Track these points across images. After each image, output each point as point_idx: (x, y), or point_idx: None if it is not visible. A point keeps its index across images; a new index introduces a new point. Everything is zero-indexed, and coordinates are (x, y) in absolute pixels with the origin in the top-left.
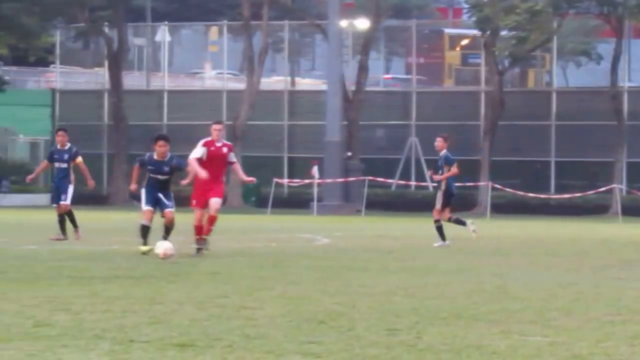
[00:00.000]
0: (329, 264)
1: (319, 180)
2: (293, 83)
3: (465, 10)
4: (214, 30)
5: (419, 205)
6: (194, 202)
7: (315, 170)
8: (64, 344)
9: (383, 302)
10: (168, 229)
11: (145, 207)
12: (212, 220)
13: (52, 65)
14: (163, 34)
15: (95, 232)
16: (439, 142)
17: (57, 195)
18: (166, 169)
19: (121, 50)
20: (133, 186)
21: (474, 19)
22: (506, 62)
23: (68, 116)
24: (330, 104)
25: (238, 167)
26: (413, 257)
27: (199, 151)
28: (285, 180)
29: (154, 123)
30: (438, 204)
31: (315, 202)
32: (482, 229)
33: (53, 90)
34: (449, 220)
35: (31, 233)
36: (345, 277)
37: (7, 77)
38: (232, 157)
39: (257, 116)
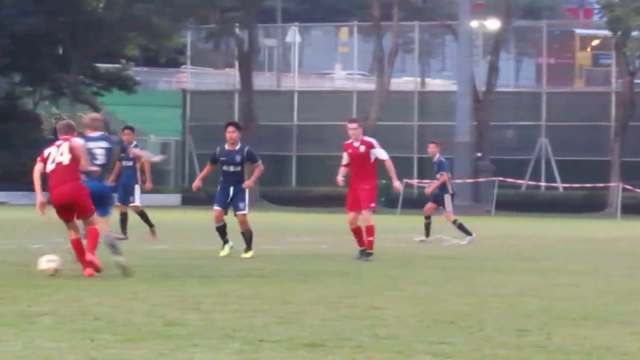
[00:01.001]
0: (458, 264)
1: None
2: (423, 84)
3: (596, 11)
4: (344, 31)
5: (549, 206)
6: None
7: None
8: (194, 343)
9: (513, 302)
10: (245, 237)
11: (214, 207)
12: (369, 231)
13: (182, 66)
14: (293, 34)
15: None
16: (432, 147)
17: (123, 195)
18: (238, 158)
19: (252, 51)
20: (196, 183)
21: (605, 19)
22: (637, 63)
23: (198, 117)
24: (460, 104)
25: (390, 165)
26: (542, 258)
27: (343, 157)
28: (415, 181)
29: (284, 124)
30: (449, 207)
31: None
32: (613, 230)
33: (184, 91)
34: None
35: (161, 233)
36: (474, 278)
37: (138, 78)
38: (379, 154)
39: (386, 117)
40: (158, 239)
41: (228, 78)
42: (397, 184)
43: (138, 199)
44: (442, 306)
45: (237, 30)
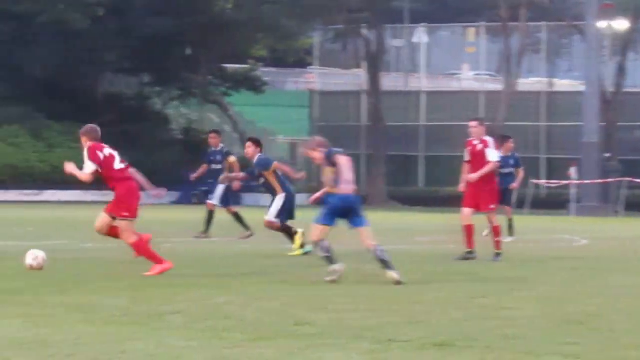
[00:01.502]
0: (588, 265)
1: (577, 182)
2: (551, 84)
3: None
4: (471, 31)
5: None
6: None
7: (573, 171)
8: (324, 342)
9: None
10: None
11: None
12: (495, 231)
13: (310, 67)
14: (421, 35)
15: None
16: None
17: (206, 195)
18: (256, 171)
19: (380, 52)
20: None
21: None
22: None
23: (325, 117)
24: (587, 105)
25: (490, 167)
26: None
27: (465, 154)
28: (543, 181)
29: (411, 124)
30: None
31: (573, 203)
32: None
33: (311, 92)
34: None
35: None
36: (604, 278)
37: (266, 79)
38: (488, 154)
39: (514, 117)
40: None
41: (355, 78)
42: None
43: (217, 199)
44: (572, 306)
45: (364, 31)
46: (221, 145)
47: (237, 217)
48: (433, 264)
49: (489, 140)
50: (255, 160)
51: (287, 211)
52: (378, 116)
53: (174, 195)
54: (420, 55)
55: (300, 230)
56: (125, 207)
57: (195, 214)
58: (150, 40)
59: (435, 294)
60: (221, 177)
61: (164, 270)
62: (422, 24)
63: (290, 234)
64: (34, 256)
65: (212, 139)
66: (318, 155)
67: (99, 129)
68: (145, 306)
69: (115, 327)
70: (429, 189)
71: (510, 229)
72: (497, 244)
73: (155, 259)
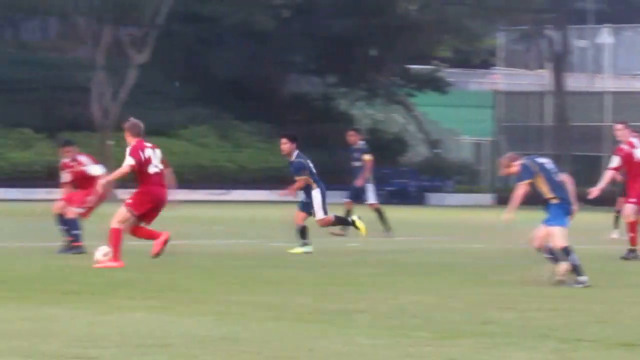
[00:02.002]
0: None
1: None
2: None
3: None
4: None
5: None
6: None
7: None
8: (511, 341)
9: None
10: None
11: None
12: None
13: (494, 67)
14: (605, 36)
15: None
16: None
17: (355, 194)
18: (291, 169)
19: (564, 52)
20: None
21: None
22: None
23: (509, 117)
24: None
25: None
26: None
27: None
28: None
29: (596, 124)
30: None
31: None
32: None
33: (495, 92)
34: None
35: (475, 232)
36: None
37: (450, 79)
38: (635, 153)
39: None
40: (391, 237)
41: (540, 79)
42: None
43: (372, 197)
44: None
45: (549, 32)
46: (360, 142)
47: (345, 215)
48: (610, 263)
49: (634, 141)
50: (293, 159)
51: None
52: (563, 116)
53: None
54: (605, 55)
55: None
56: (138, 204)
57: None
58: (335, 41)
59: (618, 294)
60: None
61: (108, 267)
62: (607, 25)
63: (346, 221)
64: (104, 252)
65: (351, 137)
66: (515, 169)
67: (141, 124)
68: (331, 305)
69: (302, 325)
70: (615, 189)
71: None
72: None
73: (115, 255)
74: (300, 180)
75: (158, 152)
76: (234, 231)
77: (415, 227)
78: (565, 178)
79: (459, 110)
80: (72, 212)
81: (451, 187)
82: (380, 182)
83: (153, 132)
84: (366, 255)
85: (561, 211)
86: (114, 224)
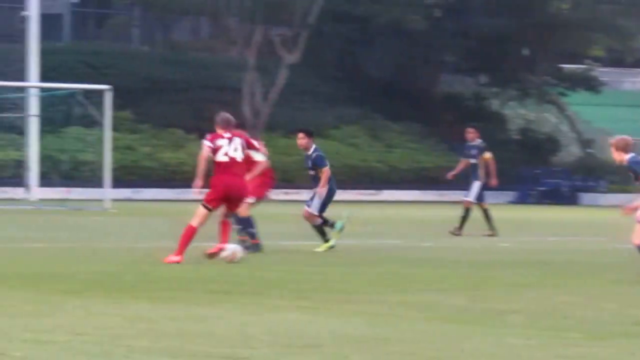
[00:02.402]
0: None
1: None
2: None
3: None
4: None
5: None
6: None
7: None
8: None
9: None
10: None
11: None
12: None
13: None
14: None
15: None
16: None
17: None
18: (309, 163)
19: None
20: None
21: None
22: None
23: None
24: None
25: None
26: None
27: None
28: None
29: None
30: None
31: None
32: None
33: None
34: None
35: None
36: None
37: (603, 79)
38: None
39: None
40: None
41: None
42: None
43: (473, 196)
44: None
45: None
46: (478, 140)
47: (487, 215)
48: None
49: None
50: (311, 152)
51: (323, 205)
52: None
53: (511, 195)
54: None
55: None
56: (210, 199)
57: (532, 213)
58: (487, 41)
59: None
60: None
61: (172, 262)
62: None
63: (323, 231)
64: (232, 251)
65: (469, 134)
66: (619, 157)
67: (228, 118)
68: (483, 305)
69: (454, 325)
70: None
71: None
72: None
73: (179, 250)
74: (326, 171)
75: (237, 141)
76: (384, 231)
77: (568, 227)
78: None
79: (612, 109)
80: (245, 210)
81: (604, 187)
82: (532, 182)
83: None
84: (518, 255)
85: None
86: (192, 221)
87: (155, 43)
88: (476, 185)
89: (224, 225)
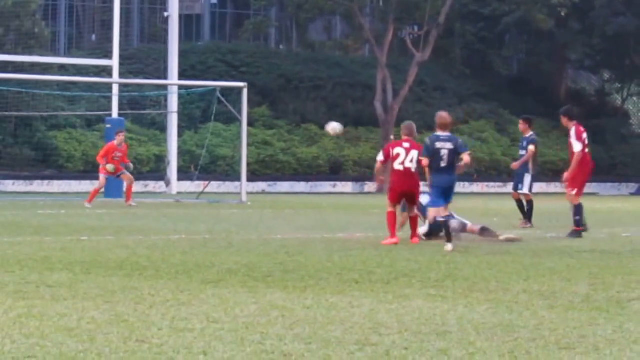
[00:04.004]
0: None
1: None
2: None
3: None
4: None
5: None
6: None
7: None
8: None
9: None
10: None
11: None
12: None
13: None
14: None
15: None
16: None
17: (515, 182)
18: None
19: None
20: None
21: None
22: None
23: None
24: None
25: None
26: None
27: None
28: None
29: None
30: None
31: None
32: None
33: None
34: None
35: None
36: None
37: None
38: None
39: None
40: (526, 227)
41: None
42: None
43: (526, 188)
44: None
45: None
46: (530, 132)
47: (519, 204)
48: None
49: None
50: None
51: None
52: None
53: (632, 187)
54: None
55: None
56: (389, 194)
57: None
58: (612, 39)
59: None
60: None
61: (391, 244)
62: None
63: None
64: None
65: (521, 125)
66: None
67: (408, 125)
68: (605, 293)
69: (575, 313)
70: None
71: None
72: None
73: (391, 233)
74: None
75: (413, 153)
76: (511, 223)
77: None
78: None
79: None
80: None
81: None
82: None
83: (434, 127)
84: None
85: None
86: (388, 208)
87: (291, 42)
88: (528, 177)
89: (412, 219)
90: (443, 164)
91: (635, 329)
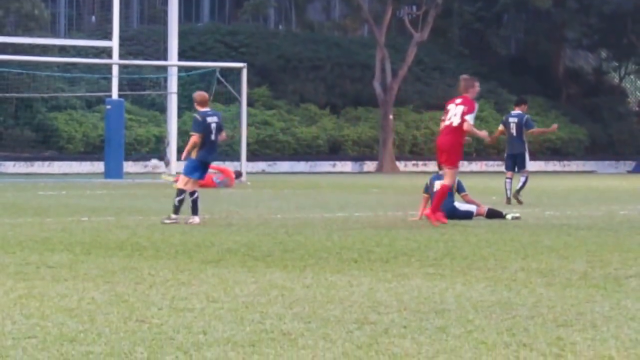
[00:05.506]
0: None
1: None
2: None
3: None
4: None
5: None
6: None
7: None
8: None
9: None
10: None
11: None
12: None
13: None
14: None
15: None
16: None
17: (511, 164)
18: None
19: None
20: None
21: None
22: None
23: None
24: None
25: None
26: None
27: None
28: None
29: None
30: None
31: None
32: None
33: None
34: None
35: None
36: None
37: None
38: None
39: None
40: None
41: None
42: None
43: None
44: None
45: None
46: (516, 110)
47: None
48: None
49: None
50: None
51: None
52: None
53: (630, 164)
54: None
55: None
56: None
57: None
58: (609, 18)
59: None
60: None
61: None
62: None
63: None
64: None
65: (524, 107)
66: None
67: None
68: (602, 270)
69: (573, 290)
70: None
71: None
72: None
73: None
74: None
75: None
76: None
77: None
78: None
79: None
80: None
81: None
82: None
83: (433, 107)
84: (637, 222)
85: None
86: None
87: (289, 23)
88: (527, 155)
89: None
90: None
91: (633, 305)
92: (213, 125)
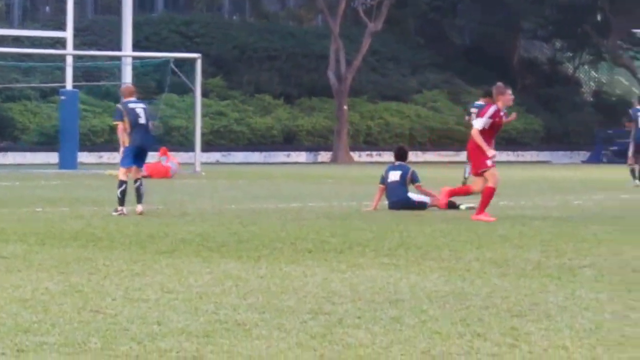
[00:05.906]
0: None
1: None
2: None
3: None
4: None
5: None
6: None
7: None
8: None
9: None
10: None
11: None
12: None
13: None
14: None
15: None
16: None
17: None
18: None
19: None
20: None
21: None
22: None
23: None
24: None
25: None
26: None
27: None
28: None
29: None
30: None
31: None
32: None
33: None
34: None
35: None
36: None
37: None
38: None
39: None
40: None
41: None
42: None
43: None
44: None
45: None
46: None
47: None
48: None
49: None
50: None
51: None
52: None
53: (584, 155)
54: None
55: None
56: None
57: (604, 173)
58: (564, 9)
59: None
60: None
61: (489, 220)
62: None
63: None
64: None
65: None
66: None
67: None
68: (556, 260)
69: (527, 280)
70: None
71: None
72: None
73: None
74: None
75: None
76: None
77: None
78: None
79: None
80: None
81: None
82: (605, 143)
83: (388, 97)
84: (591, 212)
85: None
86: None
87: (244, 13)
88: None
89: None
90: None
91: (587, 295)
92: (138, 110)
